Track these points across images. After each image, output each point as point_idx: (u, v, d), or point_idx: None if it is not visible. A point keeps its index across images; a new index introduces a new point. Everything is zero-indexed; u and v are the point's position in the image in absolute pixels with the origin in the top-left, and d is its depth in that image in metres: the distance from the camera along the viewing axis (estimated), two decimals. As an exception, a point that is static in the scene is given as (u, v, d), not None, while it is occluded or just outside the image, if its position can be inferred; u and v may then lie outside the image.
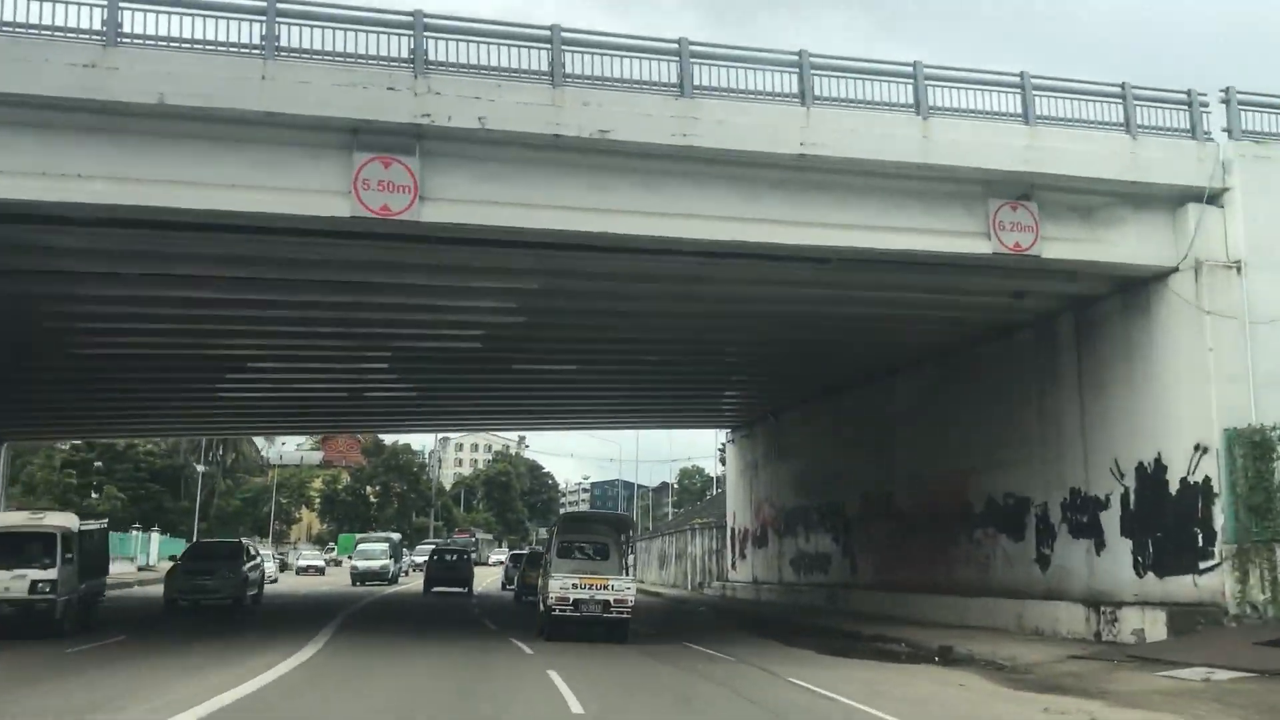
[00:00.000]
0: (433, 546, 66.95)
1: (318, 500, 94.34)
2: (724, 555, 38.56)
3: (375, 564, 42.92)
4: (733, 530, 37.38)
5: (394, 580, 43.29)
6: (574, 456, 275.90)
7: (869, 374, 26.80)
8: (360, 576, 41.97)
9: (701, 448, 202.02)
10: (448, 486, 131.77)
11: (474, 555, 54.70)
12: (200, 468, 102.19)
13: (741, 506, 36.58)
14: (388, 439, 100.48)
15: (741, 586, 34.95)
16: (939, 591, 23.05)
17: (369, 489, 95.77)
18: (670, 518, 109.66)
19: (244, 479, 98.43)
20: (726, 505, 38.70)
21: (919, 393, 24.86)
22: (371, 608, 26.63)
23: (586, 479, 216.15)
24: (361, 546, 46.93)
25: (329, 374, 25.80)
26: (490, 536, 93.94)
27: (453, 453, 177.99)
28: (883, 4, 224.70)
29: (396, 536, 50.63)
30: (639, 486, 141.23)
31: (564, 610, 17.58)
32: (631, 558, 20.50)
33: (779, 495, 33.19)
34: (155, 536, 58.04)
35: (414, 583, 45.04)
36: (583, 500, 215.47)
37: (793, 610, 27.04)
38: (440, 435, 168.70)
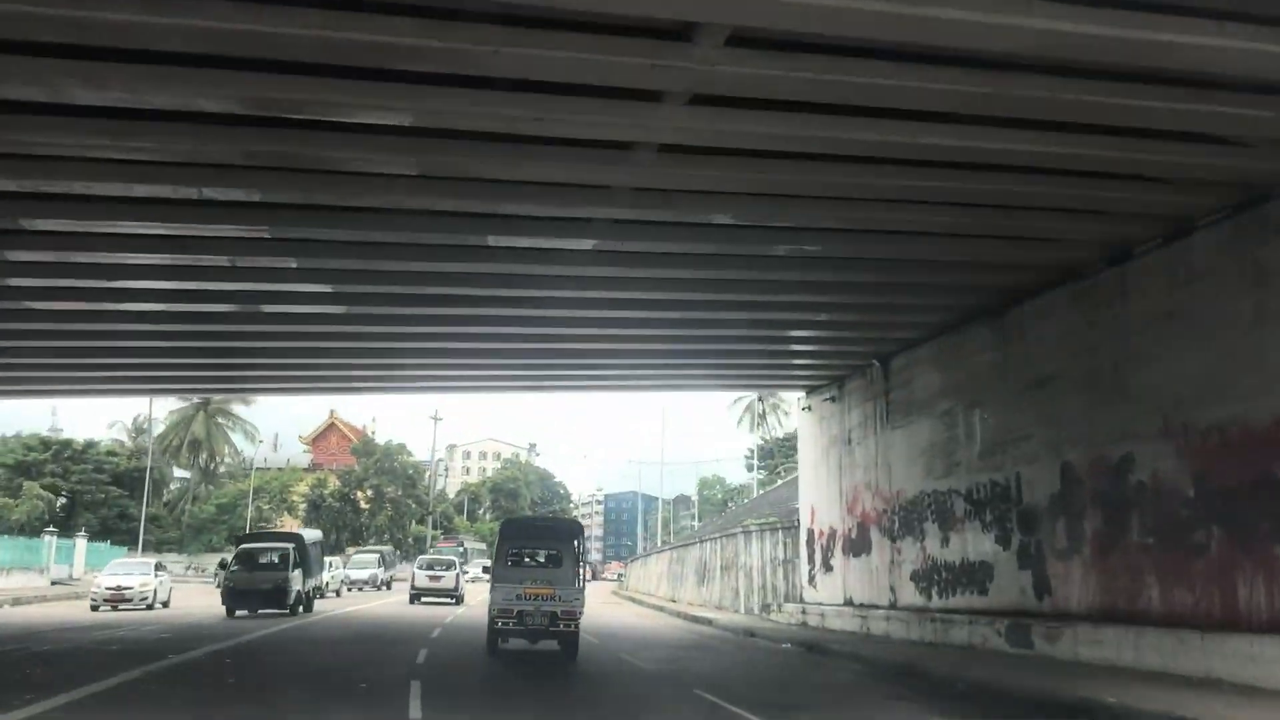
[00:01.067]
0: (377, 556, 56.08)
1: (302, 506, 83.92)
2: (796, 567, 27.95)
3: (267, 578, 26.31)
4: (810, 532, 26.79)
5: (303, 606, 27.54)
6: (586, 458, 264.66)
7: (1071, 268, 16.37)
8: (238, 599, 25.93)
9: (722, 450, 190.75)
10: (452, 495, 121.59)
11: (464, 566, 44.64)
12: (179, 471, 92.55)
13: (824, 498, 26.00)
14: (380, 438, 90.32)
15: (831, 612, 24.29)
16: (1255, 629, 12.58)
17: (360, 494, 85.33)
18: (689, 531, 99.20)
19: (226, 483, 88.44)
20: (800, 498, 28.11)
21: (1188, 279, 14.33)
22: (210, 661, 15.06)
23: (600, 490, 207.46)
24: (246, 547, 28.27)
25: (187, 254, 15.36)
26: (485, 546, 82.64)
27: (460, 461, 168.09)
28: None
29: (313, 535, 32.94)
30: (650, 499, 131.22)
31: (507, 623, 16.66)
32: (584, 567, 18.69)
33: (890, 478, 22.65)
34: (81, 543, 47.70)
35: (349, 606, 33.10)
36: (597, 512, 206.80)
37: (955, 655, 16.41)
38: (448, 444, 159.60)
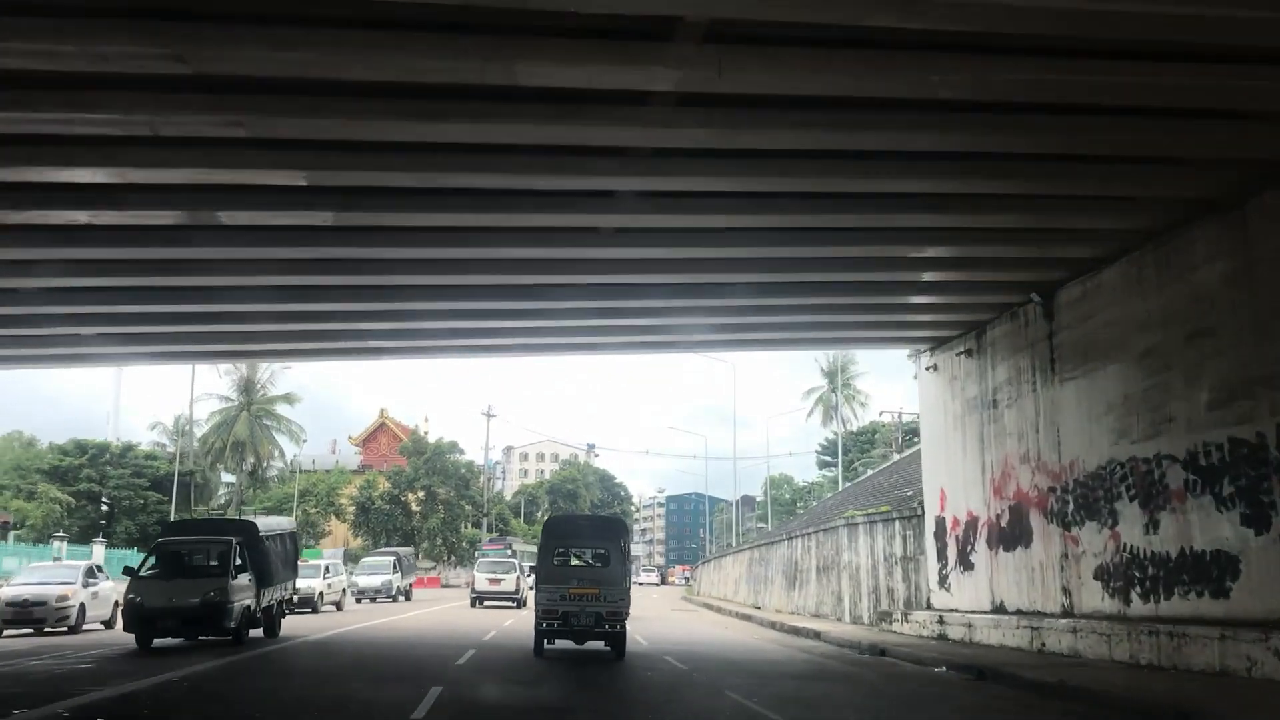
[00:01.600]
0: (391, 559, 48.73)
1: (350, 509, 79.73)
2: (920, 565, 22.59)
3: (192, 590, 17.57)
4: (940, 522, 21.45)
5: (263, 629, 19.80)
6: (649, 453, 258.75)
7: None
8: (148, 625, 17.20)
9: (787, 447, 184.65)
10: (510, 498, 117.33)
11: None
12: (227, 476, 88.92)
13: (959, 478, 20.68)
14: (433, 438, 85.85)
15: (983, 621, 18.86)
16: None
17: (411, 496, 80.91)
18: (755, 533, 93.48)
19: (276, 487, 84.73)
20: (923, 479, 22.77)
21: None
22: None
23: (662, 491, 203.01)
24: (166, 543, 19.42)
25: (78, 112, 10.51)
26: (535, 549, 77.30)
27: (517, 463, 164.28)
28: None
29: (277, 524, 23.20)
30: (713, 500, 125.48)
31: (551, 624, 16.32)
32: (630, 566, 18.38)
33: (1058, 446, 17.29)
34: (98, 550, 43.59)
35: (350, 622, 25.53)
36: (658, 515, 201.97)
37: (1228, 689, 11.03)
38: (505, 446, 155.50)
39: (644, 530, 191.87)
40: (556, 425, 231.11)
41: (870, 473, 43.46)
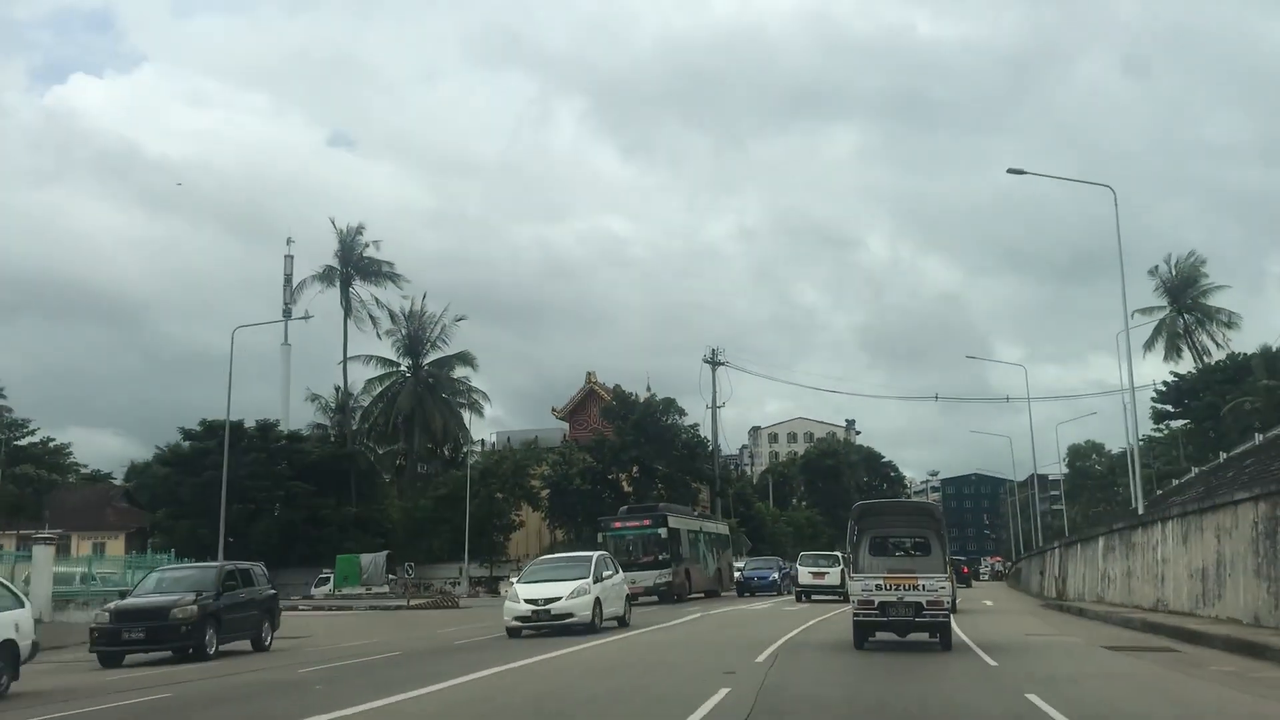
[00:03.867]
0: None
1: (544, 493, 61.72)
2: None
3: None
4: None
5: None
6: (939, 398, 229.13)
7: None
8: None
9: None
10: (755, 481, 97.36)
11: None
12: (422, 467, 73.39)
13: None
14: (637, 388, 66.73)
15: None
16: None
17: (623, 473, 62.13)
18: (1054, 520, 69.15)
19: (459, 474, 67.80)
20: None
21: None
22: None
23: (935, 474, 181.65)
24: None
25: None
26: (721, 530, 50.34)
27: (766, 445, 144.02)
28: None
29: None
30: (998, 480, 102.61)
31: (868, 615, 15.85)
32: (948, 553, 17.53)
33: None
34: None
35: None
36: (933, 500, 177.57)
37: None
38: (751, 427, 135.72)
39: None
40: (809, 401, 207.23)
41: None
